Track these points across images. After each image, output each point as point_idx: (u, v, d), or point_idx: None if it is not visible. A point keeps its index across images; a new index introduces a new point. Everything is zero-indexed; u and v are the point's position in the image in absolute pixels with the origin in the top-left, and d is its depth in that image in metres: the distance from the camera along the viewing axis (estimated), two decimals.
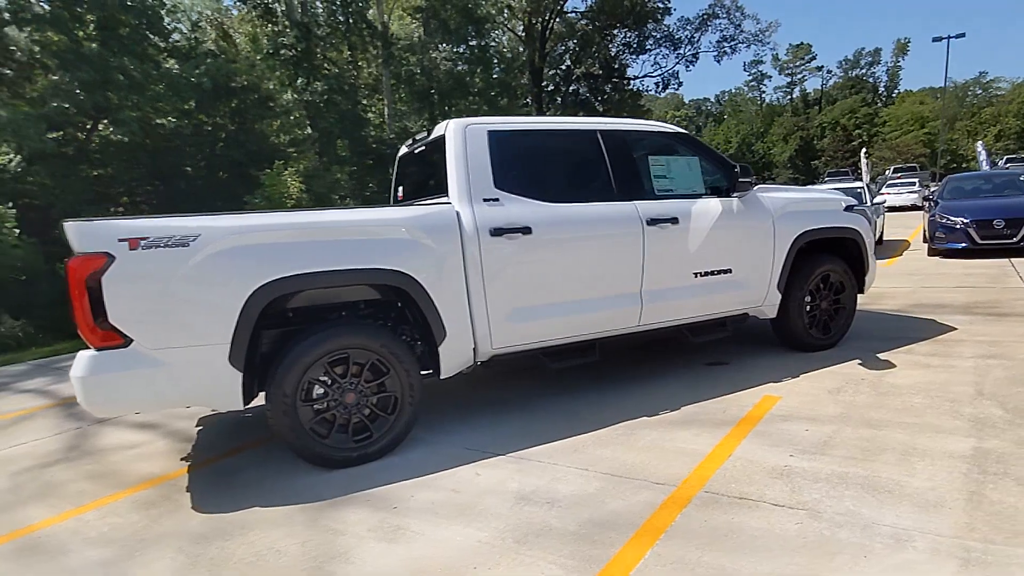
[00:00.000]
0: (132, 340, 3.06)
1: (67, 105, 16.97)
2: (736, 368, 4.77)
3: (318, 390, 3.48)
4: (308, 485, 3.34)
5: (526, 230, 3.82)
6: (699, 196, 4.46)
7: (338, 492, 3.22)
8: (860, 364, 4.56)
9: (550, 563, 2.42)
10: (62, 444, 4.49)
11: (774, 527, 2.51)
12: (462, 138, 3.88)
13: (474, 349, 3.83)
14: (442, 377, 3.78)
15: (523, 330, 3.91)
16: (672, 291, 4.34)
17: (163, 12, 19.75)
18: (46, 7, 17.97)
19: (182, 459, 3.96)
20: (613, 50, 38.77)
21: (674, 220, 4.26)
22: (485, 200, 3.81)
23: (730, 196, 4.50)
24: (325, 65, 27.64)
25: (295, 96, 26.89)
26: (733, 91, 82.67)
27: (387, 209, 3.78)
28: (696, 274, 4.41)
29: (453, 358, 3.76)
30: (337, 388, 3.49)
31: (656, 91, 41.12)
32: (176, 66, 19.08)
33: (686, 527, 2.57)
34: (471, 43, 31.30)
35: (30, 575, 2.70)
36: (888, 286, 7.75)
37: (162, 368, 3.12)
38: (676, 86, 38.79)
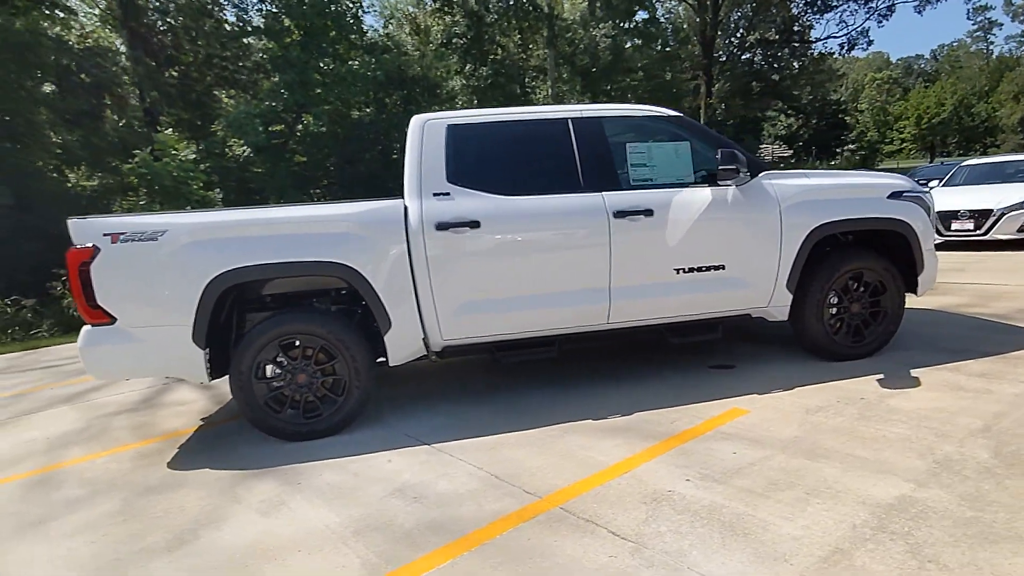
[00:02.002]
0: (117, 319, 3.57)
1: (274, 103, 19.82)
2: (737, 373, 4.25)
3: (274, 369, 3.78)
4: (264, 454, 3.62)
5: (474, 224, 3.74)
6: (686, 185, 4.00)
7: (275, 463, 3.47)
8: (879, 379, 3.81)
9: (358, 557, 2.43)
10: (143, 396, 5.34)
11: (586, 557, 2.27)
12: (419, 134, 3.89)
13: (424, 340, 3.87)
14: (391, 365, 3.88)
15: (474, 323, 3.86)
16: (648, 288, 3.97)
17: (359, 13, 21.94)
18: (262, 20, 21.04)
19: (202, 419, 4.52)
20: (794, 10, 34.76)
21: (648, 212, 3.88)
22: (435, 195, 3.79)
23: (724, 185, 3.97)
24: (494, 51, 28.53)
25: (463, 82, 28.18)
26: (954, 44, 70.39)
27: (336, 204, 3.92)
28: (679, 270, 3.98)
29: (401, 347, 3.83)
30: (289, 369, 3.76)
31: (841, 52, 36.35)
32: (356, 62, 21.13)
33: (504, 543, 2.43)
34: (637, 18, 30.13)
35: (20, 504, 3.32)
36: (1018, 284, 6.27)
37: (141, 343, 3.59)
38: (865, 45, 33.92)
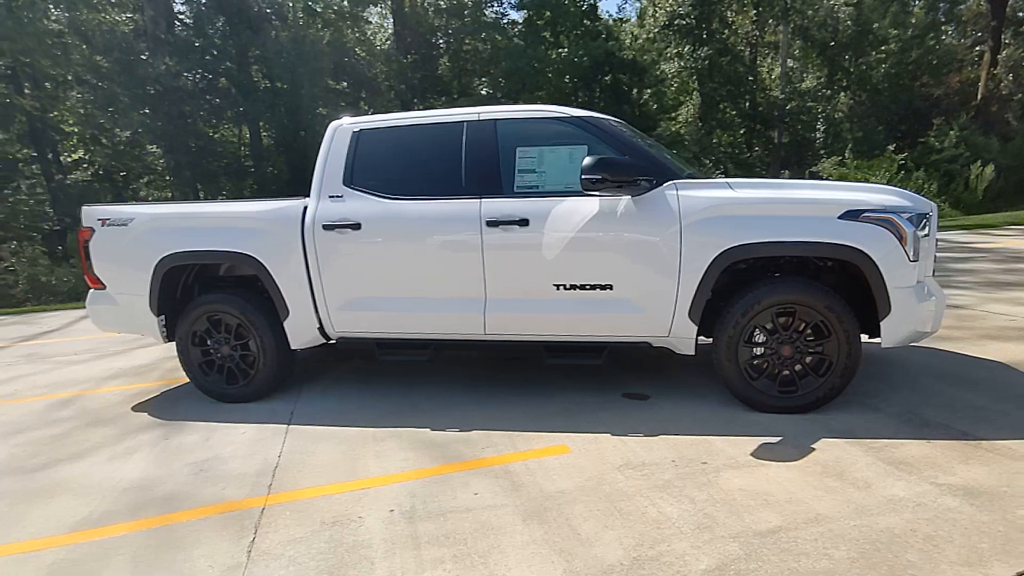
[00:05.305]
0: (106, 286, 4.42)
1: (491, 91, 21.46)
2: (639, 406, 3.67)
3: (208, 339, 4.31)
4: (189, 408, 4.18)
5: (356, 226, 3.80)
6: (574, 194, 3.51)
7: (185, 418, 3.99)
8: (763, 443, 2.98)
9: (95, 509, 2.79)
10: None
11: (196, 561, 2.32)
12: (330, 138, 4.02)
13: (320, 329, 4.07)
14: (292, 348, 4.17)
15: (356, 319, 3.94)
16: (525, 303, 3.63)
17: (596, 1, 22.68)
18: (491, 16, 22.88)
19: None
20: None
21: (523, 222, 3.52)
22: (331, 196, 3.92)
23: (616, 194, 3.40)
24: (721, 30, 26.55)
25: (681, 64, 26.87)
26: None
27: (250, 203, 4.24)
28: (559, 286, 3.55)
29: (298, 334, 4.09)
30: (217, 340, 4.26)
31: None
32: (565, 49, 21.64)
33: (173, 530, 2.57)
34: None
35: (28, 416, 4.34)
36: None
37: (120, 307, 4.40)
38: None
